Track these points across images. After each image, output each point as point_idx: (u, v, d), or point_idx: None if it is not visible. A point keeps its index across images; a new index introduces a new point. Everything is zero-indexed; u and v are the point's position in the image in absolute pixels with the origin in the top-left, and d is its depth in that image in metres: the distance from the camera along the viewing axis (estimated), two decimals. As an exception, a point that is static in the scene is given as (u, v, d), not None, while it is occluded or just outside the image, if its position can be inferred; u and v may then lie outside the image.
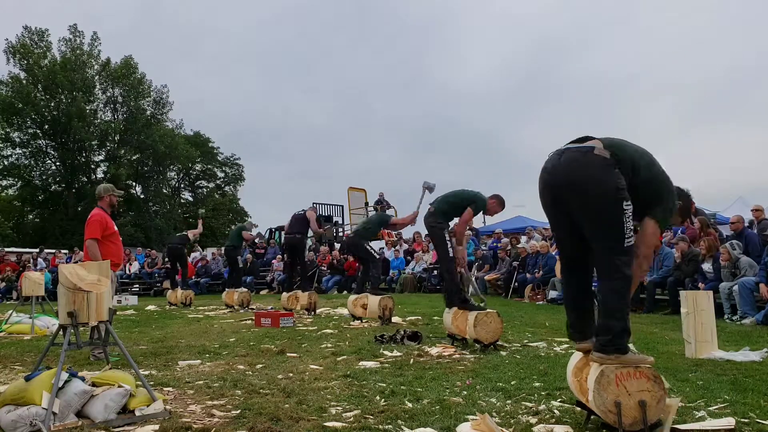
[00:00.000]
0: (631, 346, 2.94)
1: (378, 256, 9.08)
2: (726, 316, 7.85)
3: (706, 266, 8.84)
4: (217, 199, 46.29)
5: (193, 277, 18.43)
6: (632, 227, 2.74)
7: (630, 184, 2.78)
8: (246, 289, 12.49)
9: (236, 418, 3.28)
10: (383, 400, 3.62)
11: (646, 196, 2.87)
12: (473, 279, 13.53)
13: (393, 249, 16.89)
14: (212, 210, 44.34)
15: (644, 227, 2.91)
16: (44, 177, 38.70)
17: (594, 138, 2.91)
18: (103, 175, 38.31)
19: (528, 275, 12.54)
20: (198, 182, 47.57)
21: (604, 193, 2.71)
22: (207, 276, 18.84)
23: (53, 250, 22.72)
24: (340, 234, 22.19)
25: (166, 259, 16.63)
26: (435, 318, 8.39)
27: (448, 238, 6.22)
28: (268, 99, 68.50)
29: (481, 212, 6.41)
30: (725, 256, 8.33)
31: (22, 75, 35.95)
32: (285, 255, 13.47)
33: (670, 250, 9.73)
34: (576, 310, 3.12)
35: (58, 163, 38.59)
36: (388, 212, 21.72)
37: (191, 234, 14.44)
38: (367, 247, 9.08)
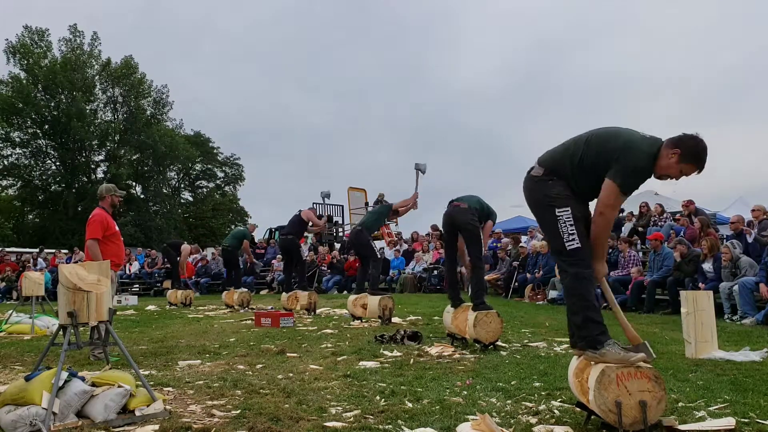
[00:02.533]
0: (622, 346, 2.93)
1: (378, 256, 9.02)
2: (726, 316, 7.85)
3: (707, 266, 8.83)
4: (217, 199, 46.29)
5: (193, 277, 18.42)
6: (572, 231, 2.97)
7: (582, 170, 3.05)
8: (246, 290, 12.49)
9: (236, 418, 3.28)
10: (383, 400, 3.62)
11: (598, 169, 3.00)
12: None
13: (393, 249, 16.88)
14: (212, 210, 44.36)
15: (602, 189, 2.99)
16: (44, 177, 38.71)
17: (545, 152, 3.23)
18: (103, 175, 38.33)
19: (528, 275, 12.55)
20: (198, 182, 47.60)
21: (538, 203, 3.15)
22: (207, 276, 18.82)
23: (53, 250, 22.71)
24: (340, 234, 22.16)
25: (166, 259, 16.57)
26: (435, 318, 8.38)
27: (482, 237, 6.08)
28: (268, 99, 68.55)
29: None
30: (727, 255, 8.33)
31: (22, 75, 35.97)
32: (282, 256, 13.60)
33: (670, 250, 9.72)
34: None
35: (58, 163, 38.60)
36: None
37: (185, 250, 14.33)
38: (372, 243, 9.03)
